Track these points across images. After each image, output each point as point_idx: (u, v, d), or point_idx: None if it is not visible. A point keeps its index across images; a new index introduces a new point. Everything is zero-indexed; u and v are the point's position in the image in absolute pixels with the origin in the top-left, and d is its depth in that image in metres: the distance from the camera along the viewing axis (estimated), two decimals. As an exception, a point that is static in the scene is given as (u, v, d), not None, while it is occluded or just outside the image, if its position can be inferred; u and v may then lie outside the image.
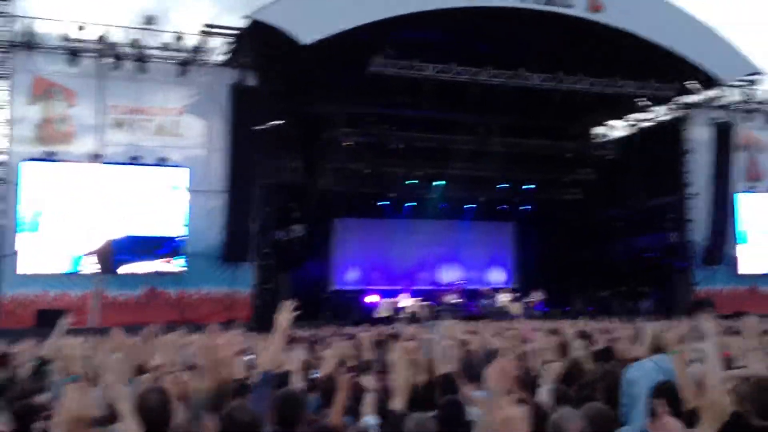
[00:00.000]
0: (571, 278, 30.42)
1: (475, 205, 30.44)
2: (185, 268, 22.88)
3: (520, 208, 31.53)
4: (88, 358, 4.95)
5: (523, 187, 30.06)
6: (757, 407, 3.73)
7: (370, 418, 4.53)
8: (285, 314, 4.31)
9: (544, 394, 4.21)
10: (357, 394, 4.95)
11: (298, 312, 4.37)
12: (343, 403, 4.63)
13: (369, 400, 4.69)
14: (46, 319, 18.54)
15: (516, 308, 27.46)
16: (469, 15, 23.26)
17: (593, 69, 24.97)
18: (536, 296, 28.33)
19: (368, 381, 4.91)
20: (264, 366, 4.25)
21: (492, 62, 24.19)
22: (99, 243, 22.03)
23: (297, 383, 5.38)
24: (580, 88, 25.26)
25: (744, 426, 3.58)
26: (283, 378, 5.66)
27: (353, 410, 4.82)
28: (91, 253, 21.92)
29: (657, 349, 4.97)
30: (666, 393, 3.98)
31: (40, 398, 4.73)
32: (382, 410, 4.51)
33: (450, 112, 26.81)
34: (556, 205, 30.73)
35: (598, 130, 32.00)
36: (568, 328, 8.81)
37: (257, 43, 22.29)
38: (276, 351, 4.36)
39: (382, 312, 26.16)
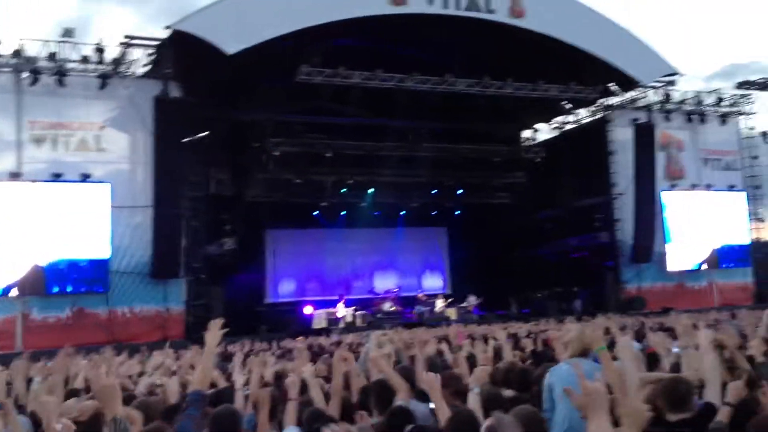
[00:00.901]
0: (506, 281, 30.75)
1: (406, 212, 30.51)
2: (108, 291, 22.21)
3: (453, 213, 31.72)
4: (9, 385, 4.74)
5: (457, 192, 30.27)
6: (669, 403, 3.88)
7: (292, 429, 4.48)
8: (213, 332, 4.20)
9: (472, 399, 4.20)
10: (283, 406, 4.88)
11: (226, 330, 4.25)
12: (265, 418, 4.55)
13: (290, 411, 4.66)
14: (-31, 346, 17.91)
15: (452, 313, 27.65)
16: (393, 22, 23.39)
17: (518, 73, 25.40)
18: (472, 301, 28.49)
19: (293, 391, 4.79)
20: (195, 385, 4.13)
21: (418, 68, 24.37)
22: (25, 270, 21.27)
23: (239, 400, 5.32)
24: (506, 93, 25.65)
25: (659, 422, 3.69)
26: (222, 395, 5.61)
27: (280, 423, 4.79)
28: (14, 284, 21.16)
29: (583, 350, 4.95)
30: None
31: None
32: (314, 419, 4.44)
33: (378, 118, 26.89)
34: (487, 208, 31.07)
35: (527, 133, 32.51)
36: (500, 331, 8.81)
37: (179, 53, 21.91)
38: (206, 370, 4.24)
39: (319, 323, 25.96)
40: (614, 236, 28.81)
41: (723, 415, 3.82)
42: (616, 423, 2.61)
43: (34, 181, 21.60)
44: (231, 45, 21.38)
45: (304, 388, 5.23)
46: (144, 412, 4.43)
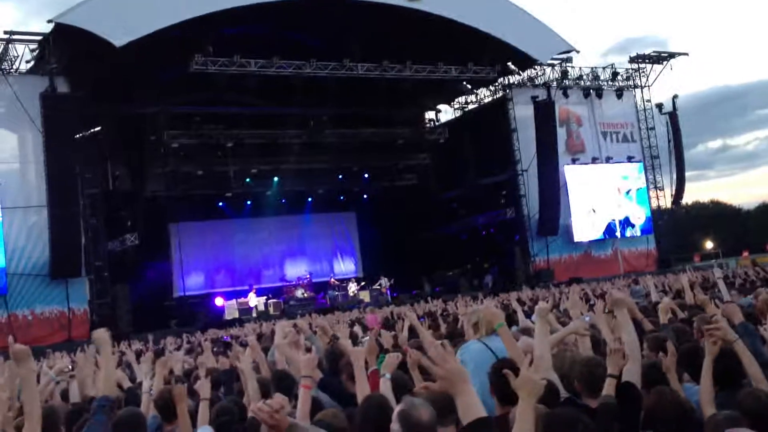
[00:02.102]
0: (417, 261, 31.08)
1: (314, 198, 30.45)
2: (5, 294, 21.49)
3: (361, 197, 31.81)
4: None
5: (363, 176, 30.33)
6: (585, 386, 3.90)
7: (205, 428, 4.36)
8: (100, 336, 4.13)
9: (383, 386, 4.13)
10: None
11: (110, 332, 4.19)
12: (185, 415, 4.46)
13: (202, 410, 4.55)
14: None
15: (366, 296, 27.83)
16: (288, 8, 23.09)
17: (417, 56, 25.51)
18: (384, 283, 28.75)
19: (203, 388, 4.68)
20: (101, 392, 4.03)
21: (316, 54, 24.21)
22: None
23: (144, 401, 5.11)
24: (405, 76, 25.74)
25: (573, 404, 3.70)
26: (127, 398, 5.49)
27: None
28: None
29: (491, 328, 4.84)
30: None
31: None
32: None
33: (278, 106, 26.63)
34: (394, 191, 31.27)
35: (430, 114, 32.77)
36: (410, 312, 8.80)
37: (65, 48, 21.14)
38: (108, 375, 4.15)
39: (231, 314, 25.72)
40: (521, 211, 29.44)
41: (608, 389, 3.78)
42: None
43: None
44: (119, 37, 20.78)
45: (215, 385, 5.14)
46: (47, 418, 4.13)
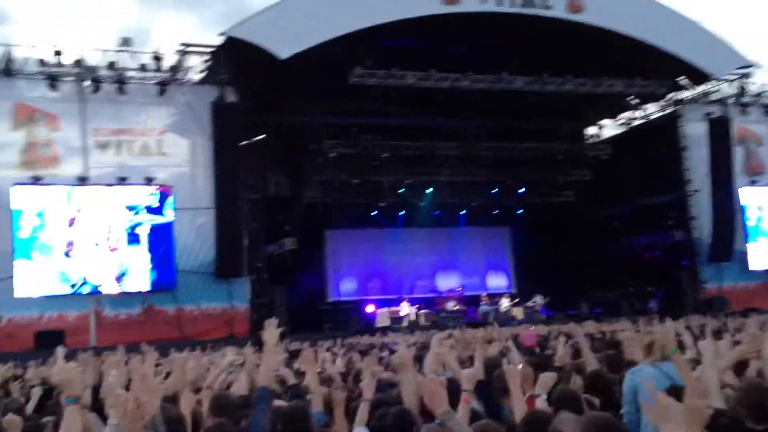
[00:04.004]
0: (573, 281, 30.04)
1: (467, 211, 30.28)
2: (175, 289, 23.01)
3: (516, 212, 31.26)
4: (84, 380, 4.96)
5: (518, 191, 29.84)
6: (751, 411, 3.73)
7: (360, 429, 4.49)
8: (270, 331, 4.36)
9: (538, 406, 4.23)
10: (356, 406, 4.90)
11: (281, 329, 4.43)
12: (342, 417, 4.63)
13: (362, 411, 4.64)
14: (45, 341, 18.87)
15: (518, 313, 27.29)
16: (447, 22, 23.15)
17: (579, 69, 24.74)
18: (538, 300, 28.05)
19: (367, 391, 4.83)
20: (261, 382, 4.29)
21: (473, 67, 24.08)
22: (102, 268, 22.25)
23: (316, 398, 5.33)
24: (567, 90, 25.05)
25: (738, 428, 3.59)
26: (293, 392, 5.78)
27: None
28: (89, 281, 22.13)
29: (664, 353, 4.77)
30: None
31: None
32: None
33: (434, 118, 26.75)
34: (550, 207, 30.45)
35: (591, 130, 31.63)
36: (578, 329, 8.65)
37: (234, 59, 22.40)
38: (269, 367, 4.39)
39: (382, 321, 26.12)
40: (690, 234, 27.71)
41: None
42: None
43: (101, 185, 22.58)
44: (283, 49, 21.66)
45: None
46: (217, 405, 4.55)
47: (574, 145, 29.82)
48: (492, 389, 4.90)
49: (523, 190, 29.80)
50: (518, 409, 4.15)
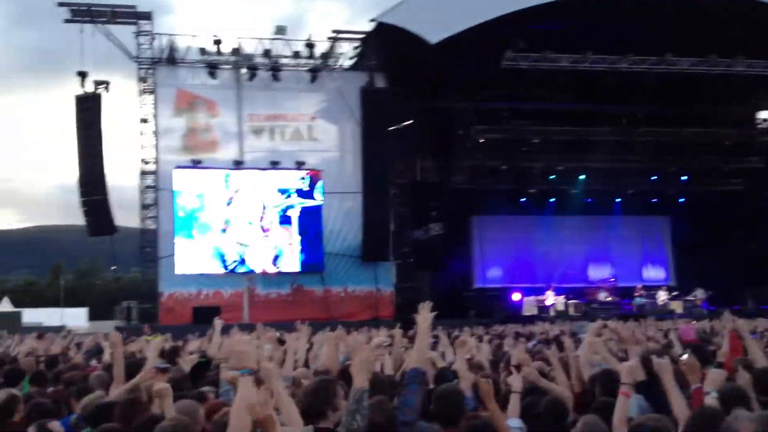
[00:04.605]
0: (739, 275, 28.00)
1: (622, 199, 28.89)
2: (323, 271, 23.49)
3: (676, 200, 29.49)
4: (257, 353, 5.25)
5: (680, 179, 28.16)
6: None
7: (514, 421, 4.45)
8: (424, 314, 4.41)
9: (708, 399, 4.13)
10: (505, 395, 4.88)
11: (435, 312, 4.45)
12: (496, 406, 4.53)
13: (514, 402, 4.59)
14: (201, 316, 19.96)
15: (677, 306, 25.89)
16: (602, 2, 21.98)
17: (750, 50, 22.85)
18: (699, 294, 26.48)
19: (516, 382, 4.75)
20: (413, 364, 4.32)
21: (633, 49, 22.79)
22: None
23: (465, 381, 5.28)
24: (736, 71, 23.23)
25: None
26: (442, 375, 5.75)
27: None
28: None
29: None
30: None
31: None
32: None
33: (588, 103, 25.53)
34: (715, 196, 28.45)
35: (763, 114, 29.22)
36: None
37: (384, 45, 22.46)
38: (421, 350, 4.46)
39: (528, 310, 25.58)
40: None
41: None
42: None
43: (255, 169, 23.36)
44: (434, 34, 21.42)
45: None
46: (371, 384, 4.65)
47: (743, 130, 27.79)
48: (657, 385, 4.61)
49: (687, 177, 28.03)
50: (677, 404, 3.98)
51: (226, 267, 22.93)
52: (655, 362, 4.34)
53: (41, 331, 15.64)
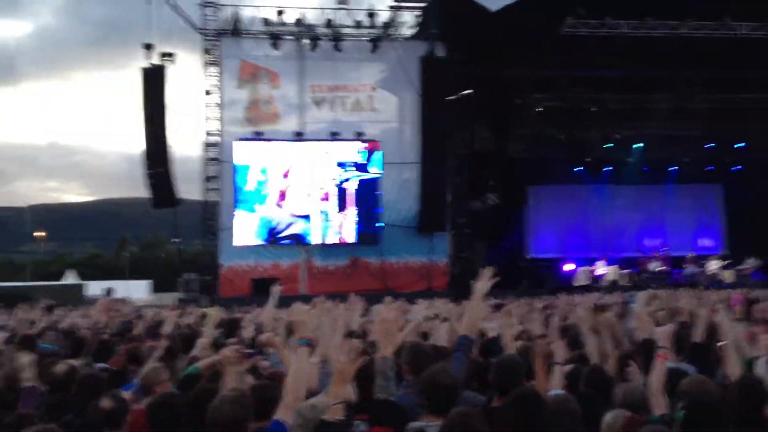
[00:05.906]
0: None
1: (678, 168, 28.81)
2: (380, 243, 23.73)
3: (730, 168, 29.38)
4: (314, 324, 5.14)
5: (734, 146, 28.02)
6: None
7: (557, 393, 4.41)
8: (483, 281, 4.44)
9: (760, 366, 4.17)
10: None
11: (496, 279, 4.48)
12: (540, 373, 4.57)
13: (557, 373, 4.55)
14: (260, 288, 20.22)
15: (728, 276, 25.84)
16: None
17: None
18: (751, 263, 26.35)
19: (559, 351, 4.72)
20: (463, 330, 4.42)
21: (692, 14, 22.74)
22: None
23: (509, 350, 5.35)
24: (797, 35, 23.08)
25: None
26: (491, 345, 5.90)
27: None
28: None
29: None
30: None
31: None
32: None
33: (646, 69, 25.45)
34: (772, 164, 28.28)
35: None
36: None
37: (445, 13, 22.57)
38: (474, 317, 4.49)
39: (580, 280, 25.68)
40: None
41: None
42: None
43: (315, 140, 23.62)
44: (494, 2, 21.54)
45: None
46: (413, 355, 4.54)
47: (801, 96, 27.42)
48: (708, 352, 4.76)
49: (743, 144, 27.90)
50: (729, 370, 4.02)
51: (282, 239, 23.22)
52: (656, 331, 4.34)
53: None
